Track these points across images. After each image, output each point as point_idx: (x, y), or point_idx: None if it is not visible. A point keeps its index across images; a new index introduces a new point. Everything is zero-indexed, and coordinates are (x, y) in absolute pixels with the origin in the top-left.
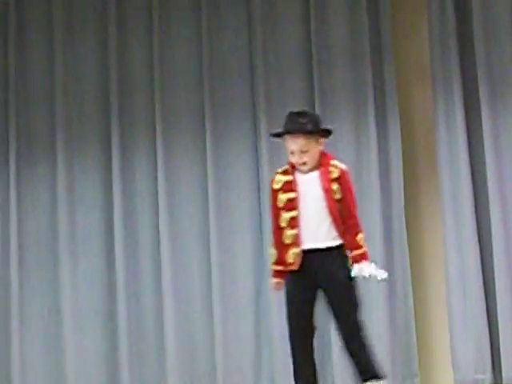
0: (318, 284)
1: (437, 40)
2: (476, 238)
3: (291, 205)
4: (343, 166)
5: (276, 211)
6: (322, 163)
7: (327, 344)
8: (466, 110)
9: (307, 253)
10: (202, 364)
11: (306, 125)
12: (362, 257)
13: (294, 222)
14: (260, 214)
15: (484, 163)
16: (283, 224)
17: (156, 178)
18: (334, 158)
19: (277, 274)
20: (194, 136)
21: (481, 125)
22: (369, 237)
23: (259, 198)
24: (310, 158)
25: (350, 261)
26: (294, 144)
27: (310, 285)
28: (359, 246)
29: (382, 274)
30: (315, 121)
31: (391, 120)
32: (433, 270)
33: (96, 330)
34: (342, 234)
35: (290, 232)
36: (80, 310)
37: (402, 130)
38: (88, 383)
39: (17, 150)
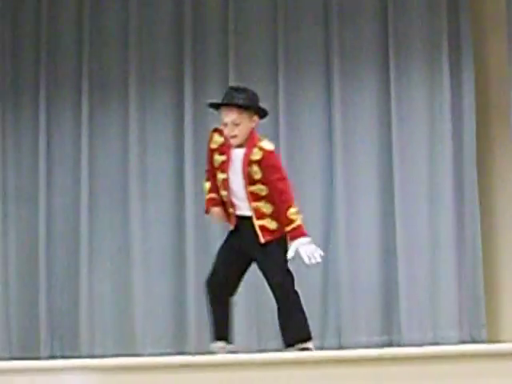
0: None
1: None
2: None
3: (223, 167)
4: (268, 147)
5: (212, 168)
6: (248, 143)
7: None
8: None
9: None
10: (267, 312)
11: (241, 99)
12: (297, 232)
13: (225, 184)
14: (331, 163)
15: None
16: (218, 183)
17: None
18: (262, 139)
19: (210, 202)
20: (266, 82)
21: None
22: (439, 187)
23: (331, 146)
24: (241, 133)
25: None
26: (227, 116)
27: (238, 248)
28: (291, 221)
29: (314, 258)
30: (251, 98)
31: (465, 68)
32: (503, 220)
33: (164, 269)
34: (272, 213)
35: (223, 193)
36: (149, 249)
37: (476, 79)
38: (155, 322)
39: (89, 93)
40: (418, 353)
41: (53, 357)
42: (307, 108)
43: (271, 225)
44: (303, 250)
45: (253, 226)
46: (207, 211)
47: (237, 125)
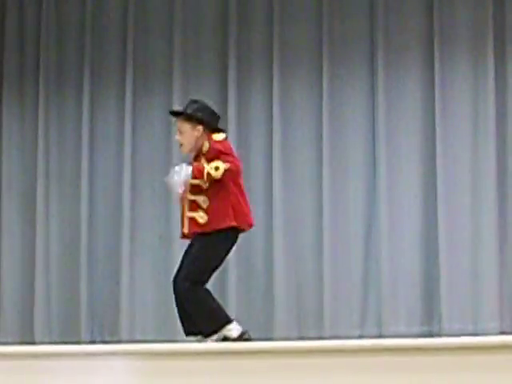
0: None
1: None
2: None
3: None
4: (217, 138)
5: None
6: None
7: None
8: None
9: None
10: (310, 299)
11: (185, 109)
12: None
13: None
14: (374, 155)
15: None
16: None
17: (271, 113)
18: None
19: None
20: (310, 71)
21: None
22: (482, 178)
23: (373, 137)
24: (185, 140)
25: None
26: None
27: None
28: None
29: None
30: (198, 109)
31: (510, 63)
32: None
33: None
34: (208, 208)
35: None
36: None
37: None
38: None
39: (134, 79)
40: (458, 343)
41: (93, 342)
42: (351, 100)
43: (201, 218)
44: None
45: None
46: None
47: (181, 132)
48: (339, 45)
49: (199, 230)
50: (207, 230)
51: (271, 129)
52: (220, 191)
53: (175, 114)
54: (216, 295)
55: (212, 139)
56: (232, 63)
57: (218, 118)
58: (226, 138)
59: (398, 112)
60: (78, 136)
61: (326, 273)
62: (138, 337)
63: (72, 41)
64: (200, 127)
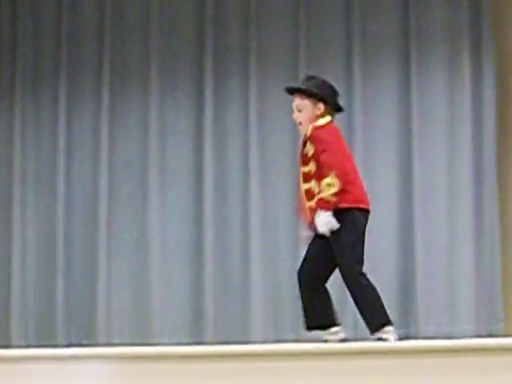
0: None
1: None
2: None
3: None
4: (320, 122)
5: None
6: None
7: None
8: None
9: None
10: (286, 300)
11: (303, 85)
12: (318, 203)
13: (305, 177)
14: None
15: None
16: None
17: (248, 113)
18: (321, 119)
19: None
20: (287, 72)
21: None
22: (458, 179)
23: (350, 138)
24: (304, 118)
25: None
26: (294, 102)
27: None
28: (319, 192)
29: (325, 226)
30: (316, 84)
31: (486, 60)
32: None
33: (182, 258)
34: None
35: (304, 186)
36: (167, 238)
37: (497, 73)
38: (173, 314)
39: (110, 83)
40: (434, 346)
41: (69, 345)
42: None
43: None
44: (317, 220)
45: None
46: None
47: (300, 110)
48: (316, 46)
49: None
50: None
51: (248, 130)
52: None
53: (294, 90)
54: (192, 296)
55: (314, 125)
56: (208, 65)
57: (338, 95)
58: (331, 121)
59: (375, 113)
60: (55, 140)
61: None
62: (115, 340)
63: (48, 44)
64: (321, 105)
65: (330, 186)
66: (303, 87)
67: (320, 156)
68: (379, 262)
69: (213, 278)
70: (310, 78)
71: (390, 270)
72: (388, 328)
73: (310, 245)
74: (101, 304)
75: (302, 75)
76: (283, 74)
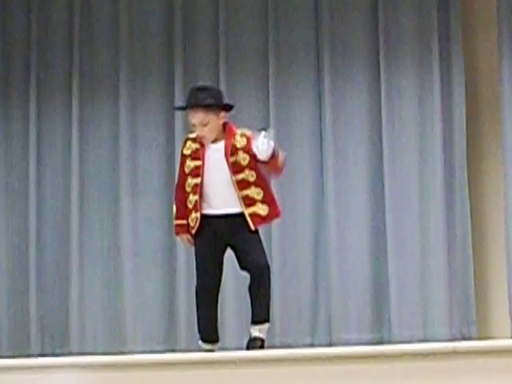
0: (225, 243)
1: None
2: None
3: (196, 172)
4: (250, 133)
5: (183, 175)
6: (227, 135)
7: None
8: None
9: (207, 217)
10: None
11: (205, 99)
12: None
13: (196, 189)
14: (321, 162)
15: None
16: (188, 189)
17: None
18: (237, 129)
19: (179, 228)
20: (256, 80)
21: None
22: (429, 184)
23: (321, 145)
24: (210, 132)
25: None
26: (194, 118)
27: (216, 245)
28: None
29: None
30: (215, 95)
31: (455, 66)
32: (492, 219)
33: (155, 268)
34: (263, 198)
35: (192, 197)
36: (139, 248)
37: (465, 76)
38: (146, 322)
39: (79, 91)
40: (408, 350)
41: (43, 354)
42: (297, 107)
43: (262, 210)
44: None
45: (227, 218)
46: (177, 235)
47: (205, 125)
48: (285, 53)
49: (263, 223)
50: (269, 220)
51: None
52: (263, 179)
53: (196, 105)
54: (165, 304)
55: (246, 134)
56: (178, 72)
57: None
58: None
59: (345, 120)
60: (25, 148)
61: (275, 281)
62: (89, 348)
63: (17, 52)
64: (222, 113)
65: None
66: (208, 102)
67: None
68: (352, 266)
69: (186, 285)
70: (202, 89)
71: (363, 273)
72: (267, 325)
73: (203, 255)
74: (74, 313)
75: (272, 84)
76: (252, 83)
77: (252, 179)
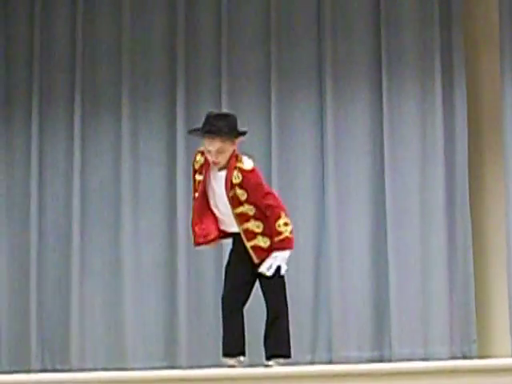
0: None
1: (507, 6)
2: None
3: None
4: (247, 167)
5: (196, 188)
6: (229, 165)
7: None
8: None
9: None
10: (259, 325)
11: (224, 127)
12: (282, 244)
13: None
14: (323, 177)
15: None
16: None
17: None
18: (240, 159)
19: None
20: (258, 97)
21: None
22: (431, 201)
23: (322, 162)
24: (224, 158)
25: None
26: (211, 145)
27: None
28: (279, 233)
29: (271, 270)
30: (231, 123)
31: (457, 83)
32: (494, 236)
33: (155, 283)
34: (264, 230)
35: (215, 210)
36: (140, 263)
37: (468, 95)
38: (146, 336)
39: (82, 105)
40: (408, 368)
41: (43, 370)
42: (299, 124)
43: (263, 243)
44: (277, 259)
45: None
46: (196, 244)
47: (220, 153)
48: (287, 72)
49: (266, 255)
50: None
51: None
52: (263, 212)
53: (213, 132)
54: (165, 320)
55: (242, 169)
56: (180, 91)
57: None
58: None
59: (347, 137)
60: (27, 162)
61: None
62: (89, 364)
63: (20, 69)
64: (236, 140)
65: (287, 225)
66: (226, 131)
67: (262, 200)
68: (353, 284)
69: (186, 302)
70: (220, 117)
71: (364, 293)
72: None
73: (230, 270)
74: (74, 329)
75: (274, 101)
76: (254, 100)
77: (251, 213)
